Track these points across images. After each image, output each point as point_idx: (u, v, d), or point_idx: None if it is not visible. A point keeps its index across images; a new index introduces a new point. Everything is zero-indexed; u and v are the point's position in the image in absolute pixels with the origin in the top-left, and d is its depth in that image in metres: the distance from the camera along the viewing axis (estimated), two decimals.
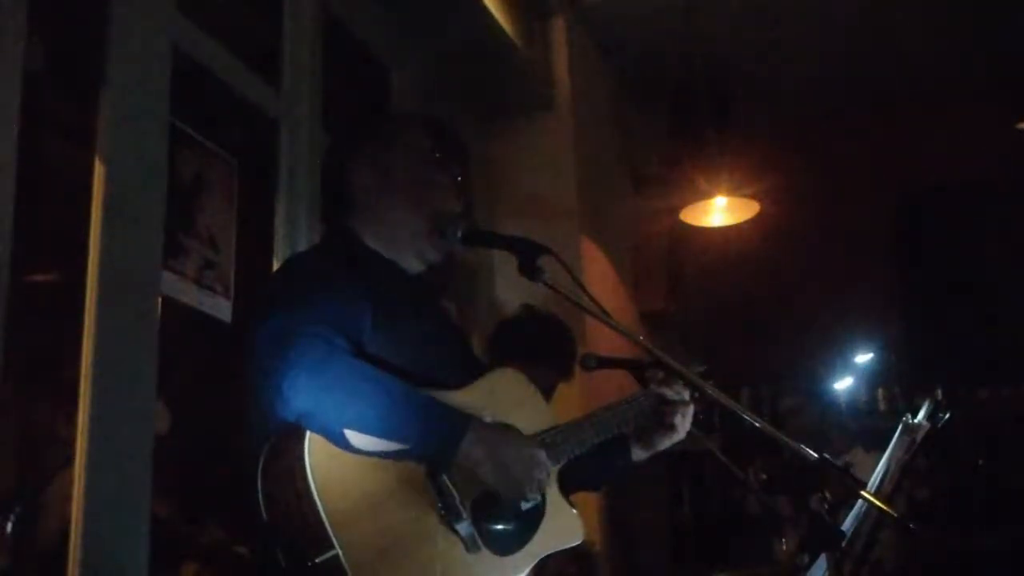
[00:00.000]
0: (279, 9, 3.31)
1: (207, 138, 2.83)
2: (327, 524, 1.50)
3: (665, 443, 2.18)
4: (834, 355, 5.60)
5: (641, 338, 1.98)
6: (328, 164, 2.10)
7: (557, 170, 4.73)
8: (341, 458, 1.57)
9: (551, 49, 4.85)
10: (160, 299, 2.47)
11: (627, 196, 5.72)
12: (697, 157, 4.93)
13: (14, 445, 2.81)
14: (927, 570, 4.17)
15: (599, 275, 4.87)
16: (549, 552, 1.86)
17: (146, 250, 2.44)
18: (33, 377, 2.62)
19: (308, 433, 1.55)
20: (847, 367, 5.64)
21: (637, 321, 5.47)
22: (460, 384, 1.84)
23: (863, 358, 5.69)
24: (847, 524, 2.03)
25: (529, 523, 1.83)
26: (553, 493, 1.92)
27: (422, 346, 1.86)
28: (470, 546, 1.68)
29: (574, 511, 2.01)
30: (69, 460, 2.22)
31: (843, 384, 5.62)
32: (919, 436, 2.18)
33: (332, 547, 1.50)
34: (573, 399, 2.81)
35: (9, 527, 2.62)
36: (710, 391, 1.90)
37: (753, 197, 5.06)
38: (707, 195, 5.03)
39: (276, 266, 3.07)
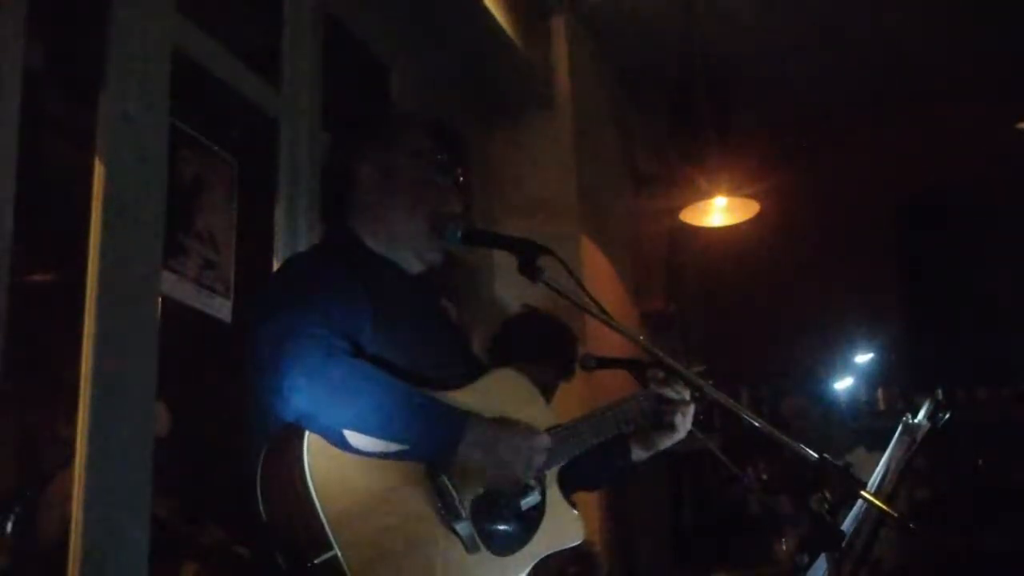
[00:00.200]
0: (279, 9, 3.31)
1: (207, 138, 2.83)
2: (326, 525, 1.50)
3: (665, 443, 2.18)
4: (834, 355, 5.61)
5: (641, 338, 1.98)
6: (328, 164, 2.10)
7: (557, 170, 4.73)
8: (340, 458, 1.57)
9: (551, 49, 4.85)
10: (160, 299, 2.47)
11: (627, 196, 5.72)
12: (697, 157, 4.93)
13: (14, 445, 2.81)
14: (927, 570, 4.17)
15: (599, 275, 4.87)
16: (549, 552, 1.86)
17: (146, 250, 2.44)
18: (33, 377, 2.62)
19: (307, 433, 1.55)
20: (847, 367, 5.64)
21: (637, 321, 5.47)
22: (460, 384, 1.84)
23: (863, 358, 5.70)
24: (847, 524, 2.03)
25: (529, 523, 1.83)
26: (553, 493, 1.92)
27: (422, 346, 1.86)
28: (470, 546, 1.68)
29: (574, 511, 2.01)
30: (69, 460, 2.21)
31: (843, 384, 5.62)
32: (919, 436, 2.18)
33: (331, 548, 1.50)
34: (573, 399, 2.81)
35: (9, 527, 2.62)
36: (710, 391, 1.90)
37: (753, 197, 5.06)
38: (707, 195, 5.03)
39: (276, 266, 3.07)
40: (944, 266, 6.00)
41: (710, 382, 1.94)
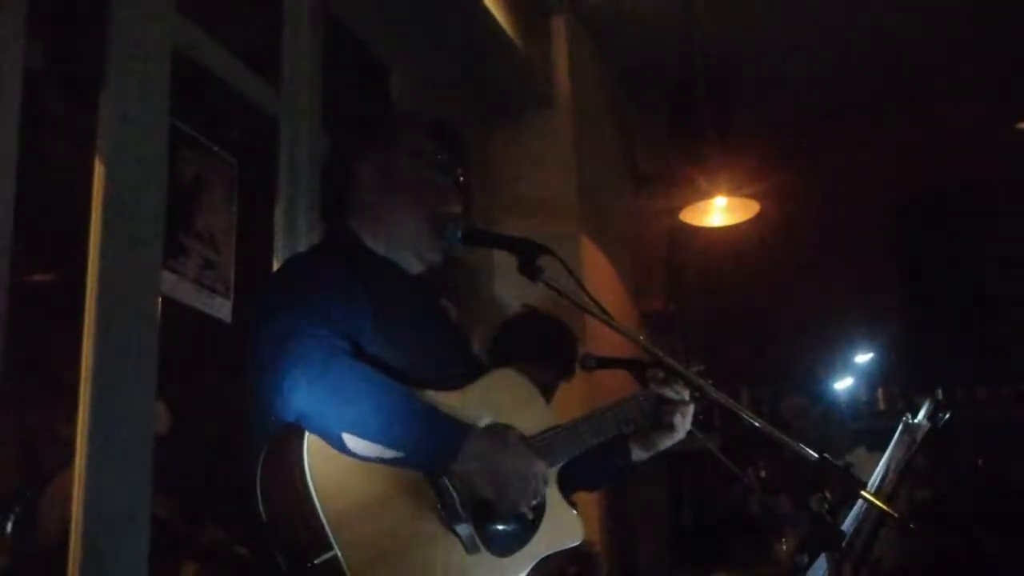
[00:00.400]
0: (279, 9, 3.31)
1: (207, 138, 2.83)
2: (326, 525, 1.50)
3: (665, 443, 2.18)
4: (834, 355, 5.61)
5: (641, 338, 1.98)
6: (329, 164, 2.10)
7: (557, 169, 4.73)
8: (341, 459, 1.56)
9: (551, 49, 4.85)
10: (160, 299, 2.47)
11: (627, 196, 5.72)
12: (697, 157, 4.93)
13: (14, 445, 2.81)
14: (927, 570, 4.17)
15: (599, 275, 4.87)
16: (549, 552, 1.86)
17: (146, 250, 2.44)
18: (33, 377, 2.62)
19: (307, 433, 1.55)
20: (847, 367, 5.64)
21: (637, 321, 5.47)
22: (460, 384, 1.84)
23: (863, 358, 5.70)
24: (847, 524, 2.03)
25: (529, 524, 1.83)
26: (553, 493, 1.92)
27: (422, 346, 1.86)
28: (470, 547, 1.68)
29: (574, 511, 2.01)
30: (69, 460, 2.21)
31: (843, 384, 5.62)
32: (919, 436, 2.18)
33: (331, 548, 1.50)
34: (573, 399, 2.81)
35: (9, 527, 2.62)
36: (710, 391, 1.90)
37: (753, 197, 5.06)
38: (707, 195, 5.03)
39: (276, 266, 3.07)
40: (944, 266, 6.00)
41: (710, 382, 1.94)
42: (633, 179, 5.81)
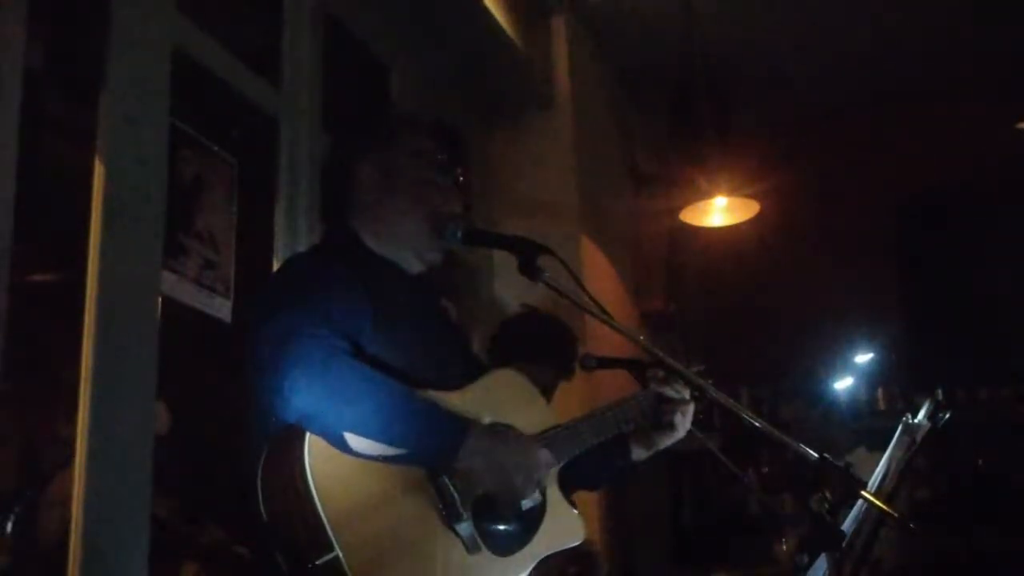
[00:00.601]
0: (279, 9, 3.31)
1: (207, 138, 2.83)
2: (327, 525, 1.50)
3: (665, 443, 2.18)
4: (834, 355, 5.61)
5: (641, 338, 1.98)
6: (329, 165, 2.10)
7: (557, 170, 4.73)
8: (341, 459, 1.56)
9: (551, 49, 4.85)
10: (160, 299, 2.47)
11: (627, 196, 5.72)
12: (697, 157, 4.93)
13: (14, 445, 2.81)
14: (927, 570, 4.17)
15: (599, 275, 4.87)
16: (549, 552, 1.86)
17: (146, 250, 2.44)
18: (33, 377, 2.62)
19: (308, 434, 1.55)
20: (847, 367, 5.64)
21: (637, 321, 5.46)
22: (460, 384, 1.84)
23: (863, 358, 5.69)
24: (847, 524, 2.03)
25: (530, 523, 1.83)
26: (553, 493, 1.92)
27: (422, 346, 1.86)
28: (470, 547, 1.68)
29: (575, 511, 2.01)
30: (69, 460, 2.21)
31: (843, 384, 5.62)
32: (919, 436, 2.18)
33: (332, 549, 1.50)
34: (573, 399, 2.81)
35: (9, 527, 2.62)
36: (710, 391, 1.90)
37: (753, 197, 5.05)
38: (707, 195, 5.03)
39: (276, 266, 3.07)
40: (944, 266, 6.00)
41: (710, 382, 1.95)
42: (633, 179, 5.80)
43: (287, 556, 1.55)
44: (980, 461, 5.18)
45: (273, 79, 3.22)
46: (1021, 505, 4.84)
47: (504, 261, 4.11)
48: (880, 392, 5.69)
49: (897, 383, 5.64)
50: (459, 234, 1.94)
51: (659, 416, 2.16)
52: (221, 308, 2.78)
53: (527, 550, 1.81)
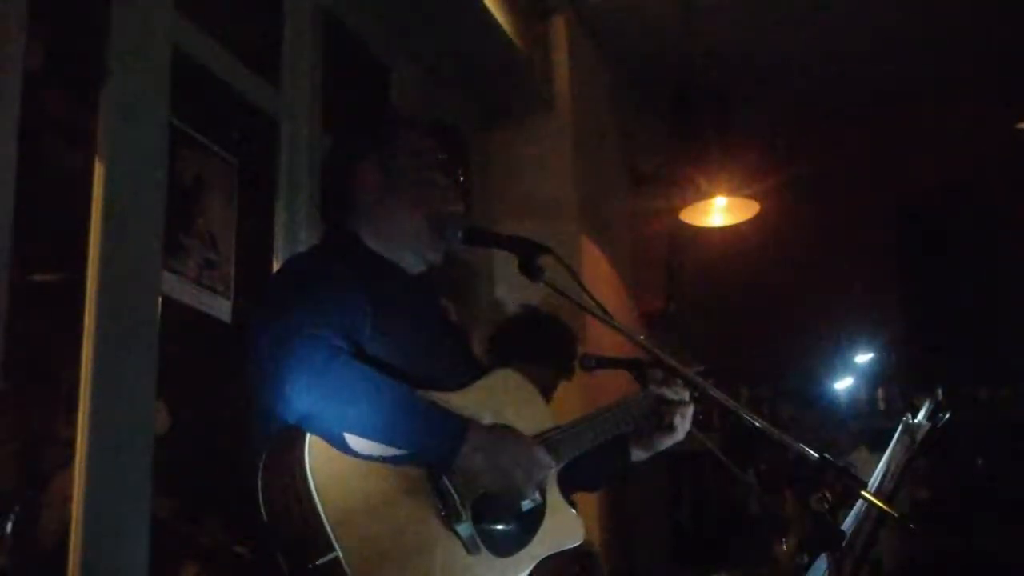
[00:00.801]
0: (279, 9, 3.31)
1: (207, 138, 2.83)
2: (327, 526, 1.50)
3: (665, 443, 2.19)
4: (834, 355, 5.60)
5: (641, 338, 1.98)
6: (329, 165, 2.10)
7: (557, 170, 4.73)
8: (341, 459, 1.56)
9: (551, 49, 4.84)
10: (160, 299, 2.47)
11: (627, 196, 5.72)
12: (697, 157, 4.93)
13: (14, 445, 2.81)
14: (927, 570, 4.17)
15: (599, 275, 4.87)
16: (549, 553, 1.86)
17: (146, 250, 2.44)
18: (33, 377, 2.62)
19: (308, 434, 1.55)
20: (847, 367, 5.64)
21: (637, 321, 5.46)
22: (460, 385, 1.84)
23: (863, 358, 5.69)
24: (847, 524, 2.03)
25: (529, 524, 1.83)
26: (553, 493, 1.92)
27: (422, 347, 1.86)
28: (470, 547, 1.68)
29: (574, 511, 2.01)
30: (69, 460, 2.21)
31: (843, 384, 5.62)
32: (919, 436, 2.18)
33: (333, 549, 1.50)
34: (573, 399, 2.81)
35: (9, 527, 2.62)
36: (710, 391, 1.90)
37: (753, 197, 5.05)
38: (707, 195, 5.03)
39: (276, 266, 3.07)
40: (944, 265, 6.00)
41: (710, 382, 1.94)
42: (633, 179, 5.80)
43: (287, 556, 1.55)
44: (980, 461, 5.18)
45: (273, 79, 3.22)
46: (1021, 505, 4.84)
47: (504, 261, 4.10)
48: (880, 392, 5.69)
49: (897, 383, 5.64)
50: (459, 234, 1.94)
51: (659, 417, 2.16)
52: (221, 308, 2.78)
53: (527, 551, 1.81)
